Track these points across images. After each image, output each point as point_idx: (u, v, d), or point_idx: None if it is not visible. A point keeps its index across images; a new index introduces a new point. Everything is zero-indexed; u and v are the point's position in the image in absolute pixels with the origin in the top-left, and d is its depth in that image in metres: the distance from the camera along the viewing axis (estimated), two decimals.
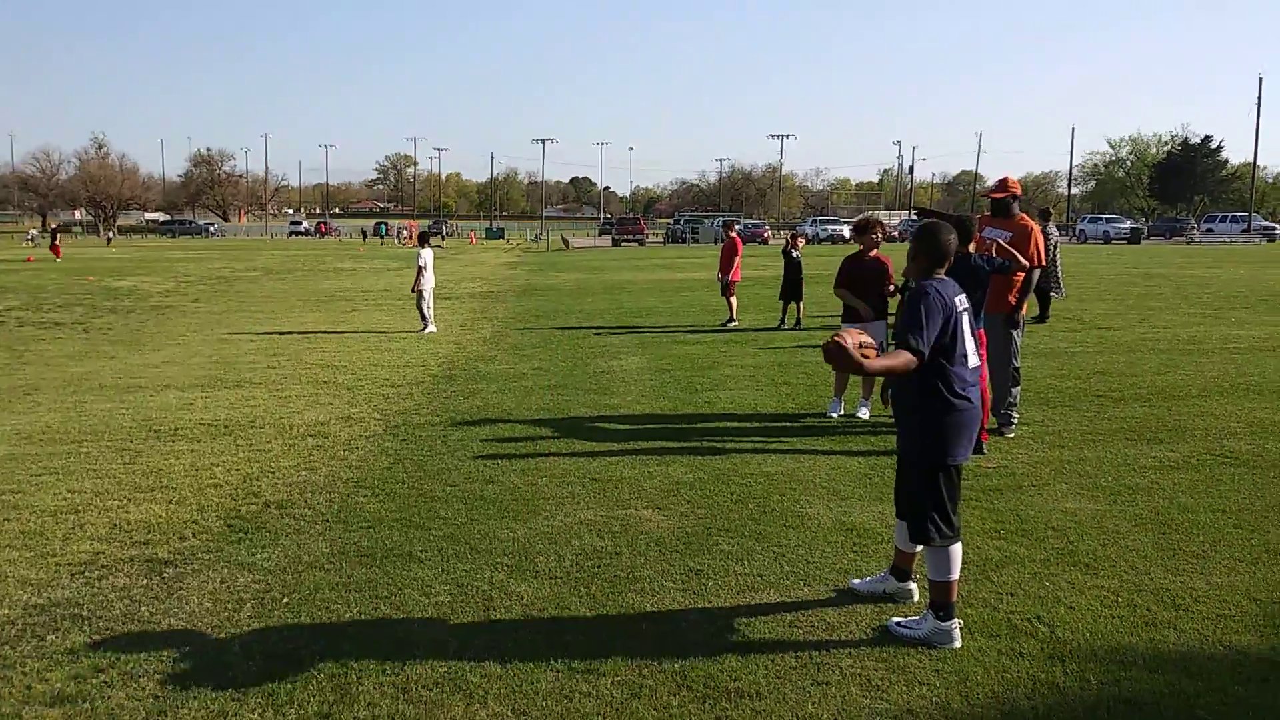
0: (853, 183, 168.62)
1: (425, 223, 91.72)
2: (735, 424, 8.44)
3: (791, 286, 15.99)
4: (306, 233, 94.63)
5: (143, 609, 4.49)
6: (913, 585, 4.56)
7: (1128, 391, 9.68)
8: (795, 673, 3.86)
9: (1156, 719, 3.54)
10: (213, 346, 13.70)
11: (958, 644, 4.08)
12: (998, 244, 7.54)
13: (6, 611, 4.46)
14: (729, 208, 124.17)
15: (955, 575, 4.16)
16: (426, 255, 15.35)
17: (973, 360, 4.25)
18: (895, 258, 11.45)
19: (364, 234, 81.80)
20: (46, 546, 5.32)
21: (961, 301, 4.22)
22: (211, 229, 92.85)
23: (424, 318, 15.25)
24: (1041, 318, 15.74)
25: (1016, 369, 7.85)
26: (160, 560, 5.10)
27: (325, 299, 21.91)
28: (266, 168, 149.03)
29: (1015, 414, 7.89)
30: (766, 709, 3.59)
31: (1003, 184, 8.04)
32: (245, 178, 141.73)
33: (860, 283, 8.70)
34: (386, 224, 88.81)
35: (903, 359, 3.97)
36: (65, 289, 24.42)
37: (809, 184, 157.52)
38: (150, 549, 5.27)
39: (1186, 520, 5.70)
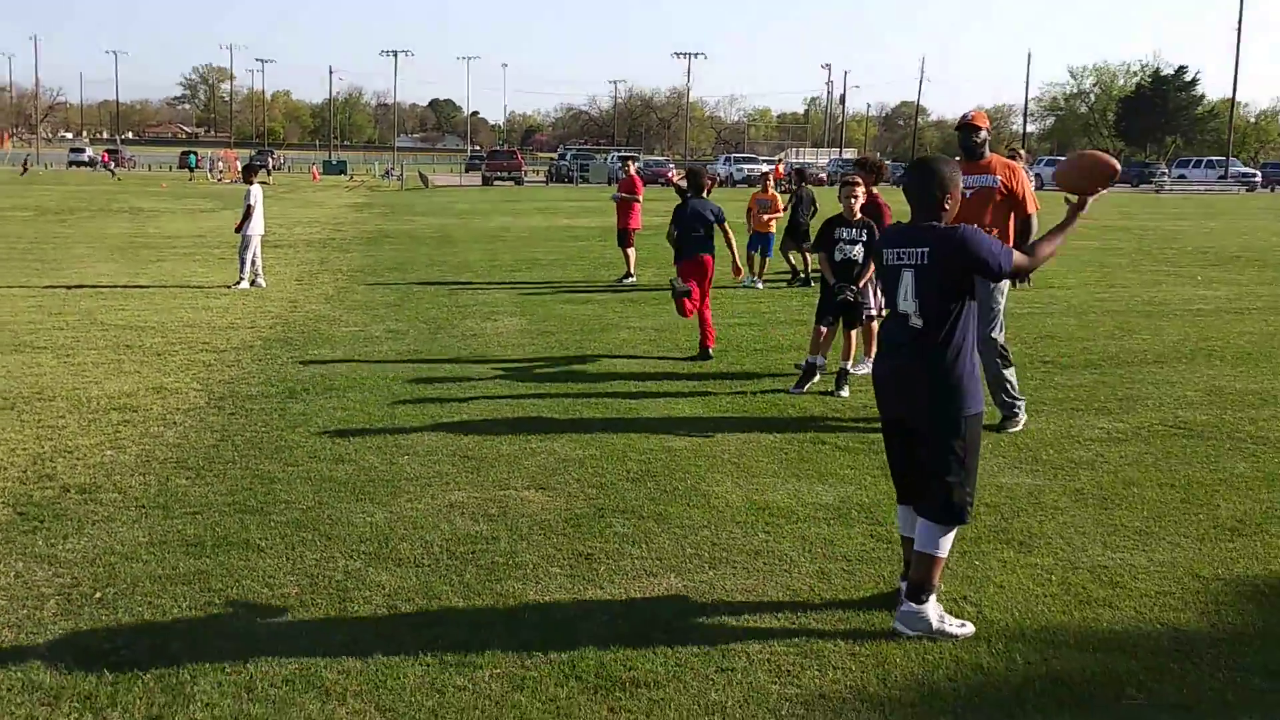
0: (774, 114, 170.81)
1: (247, 153, 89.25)
2: (632, 395, 8.76)
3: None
4: (90, 163, 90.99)
5: None
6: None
7: (1077, 357, 10.39)
8: (697, 660, 4.21)
9: (1085, 698, 4.00)
10: None
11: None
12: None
13: None
14: (625, 141, 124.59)
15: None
16: (256, 193, 15.22)
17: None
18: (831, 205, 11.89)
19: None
20: None
21: None
22: None
23: (243, 269, 15.12)
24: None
25: (1004, 346, 7.76)
26: None
27: (122, 246, 21.37)
28: (37, 79, 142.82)
29: (1020, 402, 7.80)
30: (665, 698, 3.92)
31: (967, 122, 7.87)
32: (9, 92, 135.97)
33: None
34: (197, 154, 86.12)
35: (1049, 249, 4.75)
36: None
37: (722, 114, 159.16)
38: None
39: (1131, 495, 6.27)
